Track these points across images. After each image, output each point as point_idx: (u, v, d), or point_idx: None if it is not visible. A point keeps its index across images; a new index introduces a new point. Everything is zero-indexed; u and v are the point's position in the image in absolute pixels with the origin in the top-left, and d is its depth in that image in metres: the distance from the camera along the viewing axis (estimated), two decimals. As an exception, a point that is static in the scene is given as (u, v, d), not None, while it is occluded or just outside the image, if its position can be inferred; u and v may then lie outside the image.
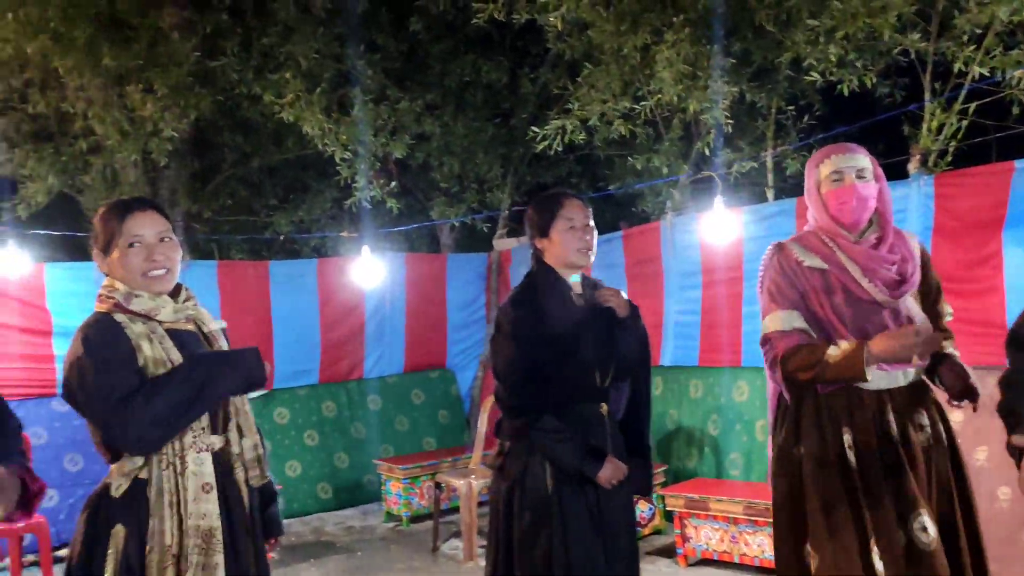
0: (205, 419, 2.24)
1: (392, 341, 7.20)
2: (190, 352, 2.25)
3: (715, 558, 4.70)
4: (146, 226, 2.25)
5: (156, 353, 2.18)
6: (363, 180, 6.51)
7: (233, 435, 2.33)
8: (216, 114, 6.87)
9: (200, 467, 2.20)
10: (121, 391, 2.10)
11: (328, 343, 6.87)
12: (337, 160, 6.39)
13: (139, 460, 2.18)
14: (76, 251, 7.89)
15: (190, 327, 2.34)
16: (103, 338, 2.16)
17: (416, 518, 6.10)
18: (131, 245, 2.23)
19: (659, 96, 5.59)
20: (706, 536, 4.71)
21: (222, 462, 2.28)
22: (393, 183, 6.79)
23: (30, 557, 5.13)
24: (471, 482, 5.19)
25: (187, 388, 2.15)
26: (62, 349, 5.73)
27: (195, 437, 2.22)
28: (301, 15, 6.48)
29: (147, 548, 2.12)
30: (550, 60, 7.28)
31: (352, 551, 5.54)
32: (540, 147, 6.02)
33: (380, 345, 7.14)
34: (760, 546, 4.50)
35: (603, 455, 2.76)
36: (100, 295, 2.27)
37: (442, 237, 8.34)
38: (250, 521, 2.32)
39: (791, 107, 6.34)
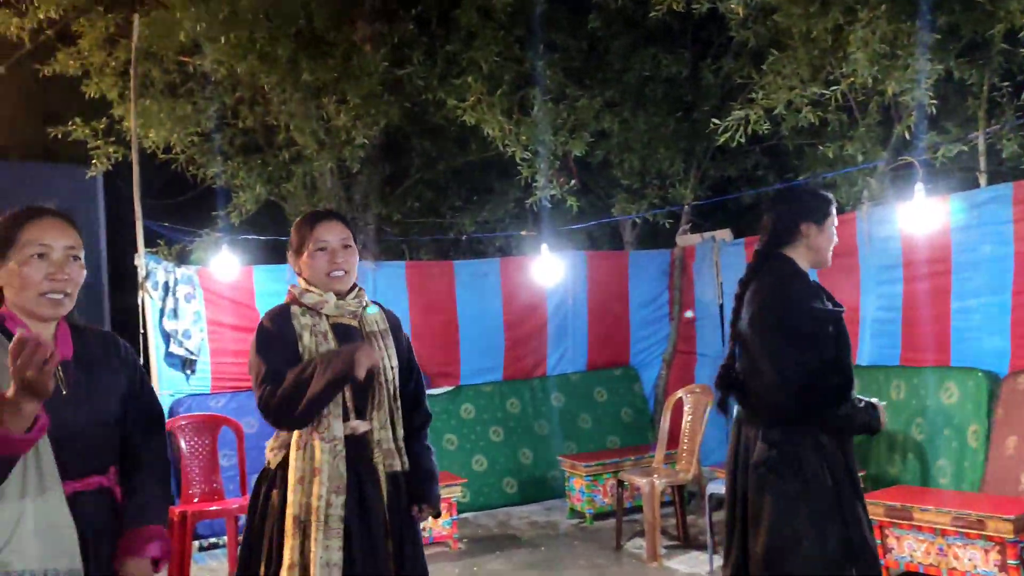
0: (335, 409, 2.45)
1: (575, 339, 7.23)
2: (344, 340, 2.54)
3: (920, 571, 4.37)
4: (332, 233, 2.57)
5: (313, 344, 2.48)
6: (543, 179, 6.58)
7: (375, 423, 2.53)
8: (404, 121, 7.17)
9: (322, 454, 2.42)
10: (269, 370, 2.41)
11: (511, 341, 7.00)
12: (518, 160, 6.50)
13: (284, 435, 2.49)
14: (281, 254, 8.47)
15: (354, 323, 2.61)
16: (273, 323, 2.52)
17: (599, 515, 6.08)
18: (319, 249, 2.55)
19: (852, 79, 5.26)
20: (910, 547, 4.39)
21: (361, 447, 2.50)
22: (573, 181, 6.82)
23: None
24: (654, 481, 5.12)
25: (293, 380, 2.39)
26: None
27: (324, 424, 2.44)
28: (483, 21, 6.64)
29: (284, 515, 2.41)
30: (733, 49, 7.05)
31: (536, 545, 5.61)
32: (722, 139, 5.84)
33: (563, 343, 7.19)
34: (972, 560, 4.13)
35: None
36: (288, 291, 2.63)
37: (624, 234, 8.28)
38: (389, 503, 2.50)
39: (1006, 83, 5.78)
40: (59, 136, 6.73)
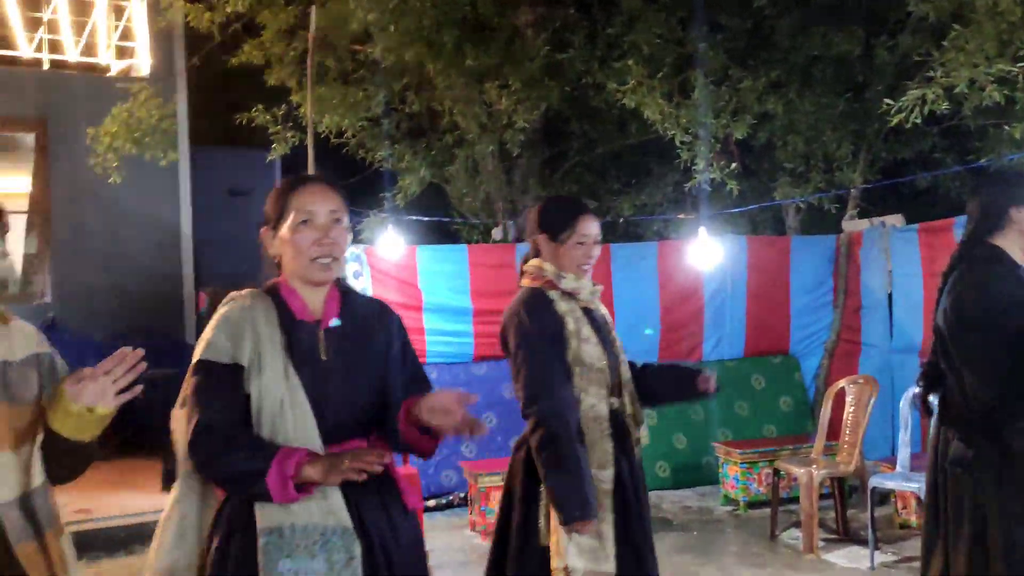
0: (601, 389, 2.63)
1: (732, 324, 7.10)
2: (600, 328, 2.72)
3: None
4: (594, 229, 2.75)
5: (575, 327, 2.63)
6: (703, 162, 6.48)
7: (626, 399, 2.71)
8: (564, 104, 7.24)
9: (590, 432, 2.59)
10: (541, 352, 2.58)
11: (667, 325, 6.96)
12: (677, 143, 6.44)
13: None
14: (443, 235, 8.77)
15: (592, 306, 2.78)
16: (539, 305, 2.65)
17: (753, 504, 5.98)
18: (580, 243, 2.71)
19: (1046, 54, 4.89)
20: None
21: (619, 421, 2.67)
22: (734, 164, 6.68)
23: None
24: (812, 472, 4.99)
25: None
26: (431, 323, 6.43)
27: (589, 403, 2.60)
28: (644, 3, 6.60)
29: None
30: (910, 25, 6.67)
31: (688, 530, 5.59)
32: (895, 120, 5.57)
33: (719, 328, 7.08)
34: None
35: None
36: (529, 274, 2.77)
37: (787, 219, 8.03)
38: (638, 475, 2.69)
39: None
40: (243, 122, 7.23)
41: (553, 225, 2.74)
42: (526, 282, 2.75)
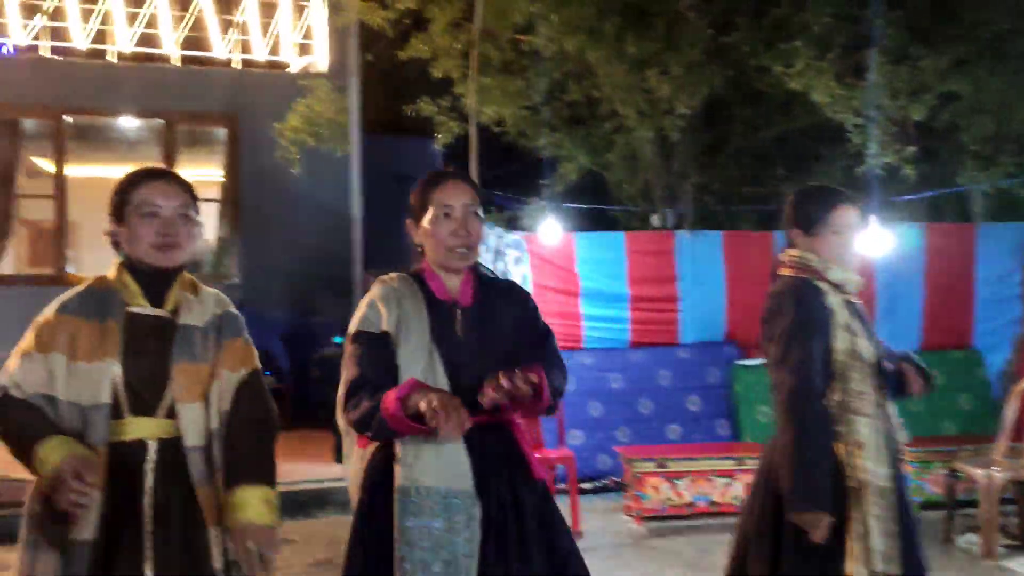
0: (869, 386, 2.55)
1: (907, 317, 6.73)
2: (863, 320, 2.64)
3: None
4: (851, 218, 2.64)
5: (846, 321, 2.56)
6: (876, 146, 6.16)
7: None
8: (726, 89, 7.07)
9: (864, 428, 2.53)
10: (808, 342, 2.52)
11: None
12: (848, 127, 6.15)
13: None
14: (601, 222, 8.79)
15: (855, 301, 2.68)
16: (809, 295, 2.57)
17: (927, 505, 5.65)
18: (835, 233, 2.60)
19: None
20: None
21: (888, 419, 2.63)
22: (911, 148, 6.31)
23: (560, 486, 5.93)
24: (994, 474, 4.68)
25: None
26: (587, 309, 6.49)
27: (865, 400, 2.55)
28: (816, -20, 6.34)
29: None
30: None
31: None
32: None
33: (891, 320, 6.71)
34: None
35: None
36: (790, 264, 2.68)
37: (972, 205, 7.50)
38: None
39: None
40: (410, 113, 7.52)
41: (805, 217, 2.66)
42: (788, 272, 2.67)
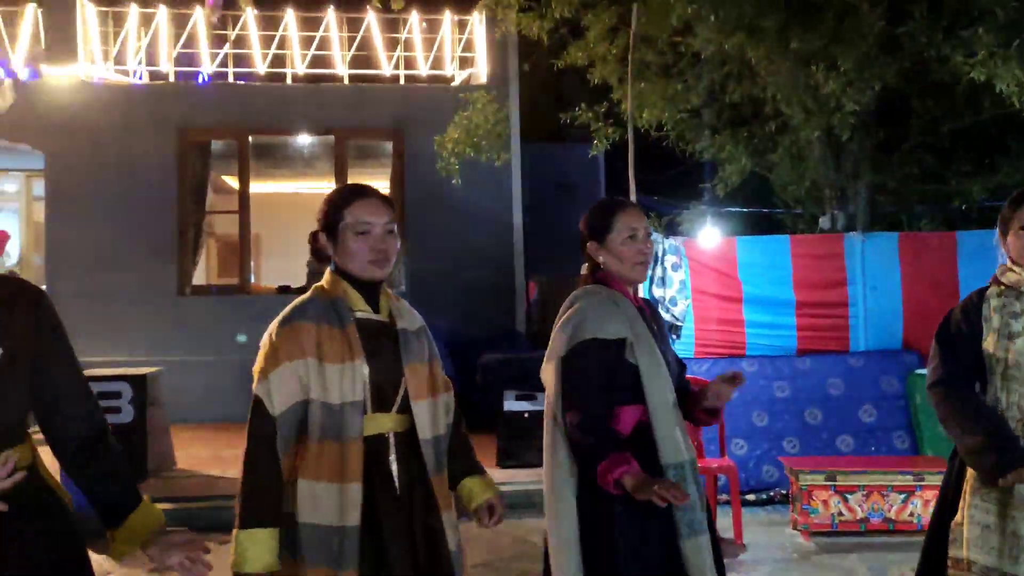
0: None
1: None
2: None
3: None
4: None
5: (999, 324, 2.56)
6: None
7: None
8: (901, 82, 6.70)
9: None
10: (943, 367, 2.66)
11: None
12: (1041, 116, 5.68)
13: None
14: (765, 225, 8.52)
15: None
16: (973, 302, 2.63)
17: None
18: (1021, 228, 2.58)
19: None
20: None
21: None
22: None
23: (722, 496, 5.79)
24: None
25: None
26: (750, 315, 6.31)
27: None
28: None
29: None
30: None
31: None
32: None
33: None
34: None
35: None
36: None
37: None
38: None
39: None
40: (568, 120, 7.59)
41: (1004, 219, 2.65)
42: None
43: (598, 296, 2.47)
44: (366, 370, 2.15)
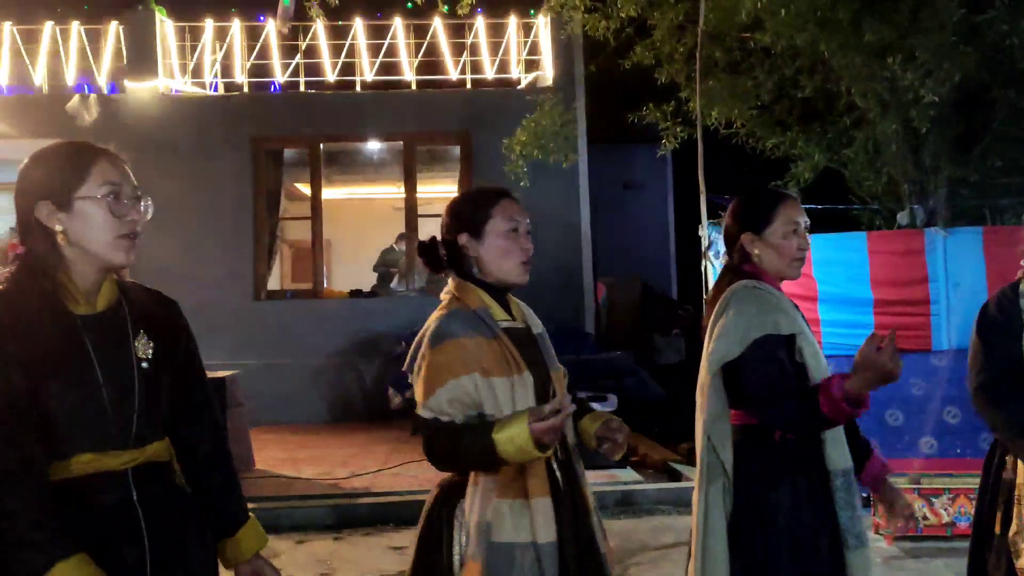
0: None
1: None
2: None
3: None
4: None
5: None
6: None
7: None
8: (982, 71, 6.46)
9: None
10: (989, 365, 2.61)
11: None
12: None
13: None
14: (839, 222, 8.30)
15: None
16: (1008, 298, 2.61)
17: None
18: None
19: None
20: None
21: None
22: None
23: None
24: None
25: None
26: (826, 314, 6.16)
27: None
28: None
29: None
30: None
31: None
32: None
33: None
34: None
35: None
36: None
37: None
38: None
39: None
40: (634, 120, 7.52)
41: None
42: None
43: (760, 290, 2.34)
44: (530, 380, 2.06)
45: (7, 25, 9.72)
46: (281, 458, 7.29)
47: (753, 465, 2.25)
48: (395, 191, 11.06)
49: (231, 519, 1.91)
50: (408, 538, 5.35)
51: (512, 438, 1.90)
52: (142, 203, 1.80)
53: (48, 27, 9.68)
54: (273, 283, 10.51)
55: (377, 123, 9.88)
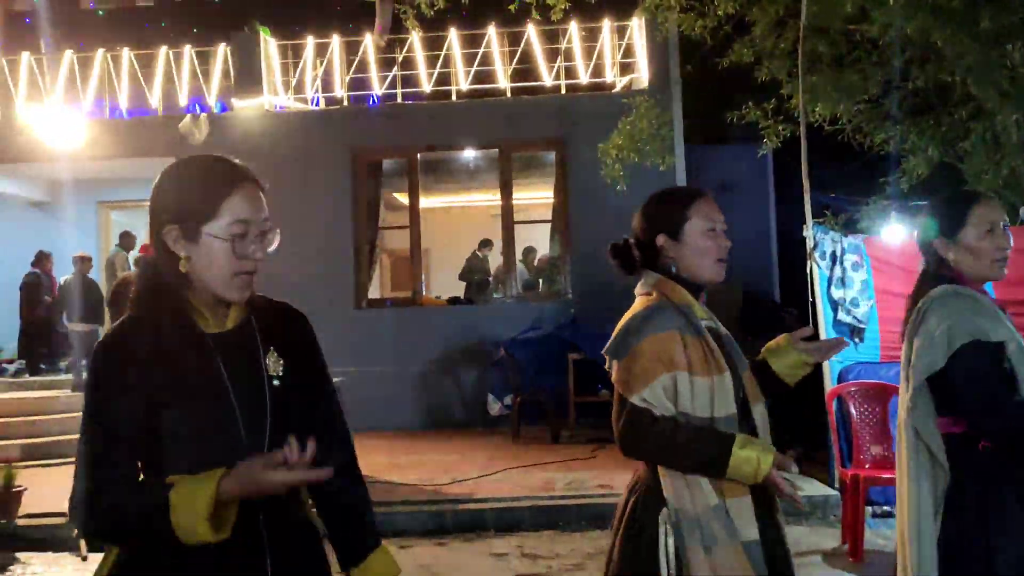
0: None
1: None
2: None
3: None
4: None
5: None
6: None
7: None
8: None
9: None
10: None
11: None
12: None
13: None
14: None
15: None
16: None
17: None
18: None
19: None
20: None
21: None
22: None
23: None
24: None
25: None
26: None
27: None
28: None
29: None
30: None
31: None
32: None
33: None
34: None
35: None
36: None
37: None
38: None
39: None
40: (732, 120, 7.34)
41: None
42: None
43: (963, 295, 2.29)
44: (730, 381, 2.06)
45: (125, 51, 10.25)
46: (383, 464, 7.40)
47: (961, 472, 2.23)
48: (491, 198, 11.12)
49: (358, 545, 1.80)
50: (509, 544, 5.39)
51: (750, 460, 1.94)
52: (268, 236, 1.74)
53: (162, 52, 10.15)
54: (373, 291, 10.71)
55: (473, 131, 9.96)
